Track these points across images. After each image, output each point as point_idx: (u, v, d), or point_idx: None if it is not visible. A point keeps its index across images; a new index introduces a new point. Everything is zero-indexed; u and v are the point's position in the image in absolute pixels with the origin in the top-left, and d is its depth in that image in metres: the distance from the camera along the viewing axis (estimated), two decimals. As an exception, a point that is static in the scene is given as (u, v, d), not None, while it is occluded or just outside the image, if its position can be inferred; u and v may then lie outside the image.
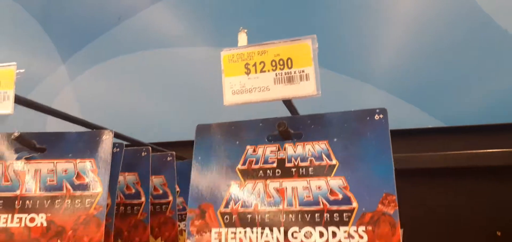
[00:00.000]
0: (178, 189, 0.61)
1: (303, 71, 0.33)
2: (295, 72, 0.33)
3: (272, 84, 0.33)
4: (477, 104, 0.82)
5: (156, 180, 0.58)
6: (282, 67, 0.33)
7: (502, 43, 0.81)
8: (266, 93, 0.33)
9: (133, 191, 0.52)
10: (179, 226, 0.60)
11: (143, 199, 0.51)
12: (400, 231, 0.32)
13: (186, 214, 0.60)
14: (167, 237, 0.56)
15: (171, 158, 0.59)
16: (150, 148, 0.53)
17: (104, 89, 1.02)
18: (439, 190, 0.84)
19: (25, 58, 1.09)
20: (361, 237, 0.32)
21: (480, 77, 0.82)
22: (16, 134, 0.42)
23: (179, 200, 0.65)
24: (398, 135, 0.75)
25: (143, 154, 0.53)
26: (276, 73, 0.33)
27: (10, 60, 0.40)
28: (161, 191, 0.58)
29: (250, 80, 0.33)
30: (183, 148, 0.71)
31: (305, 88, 0.32)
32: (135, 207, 0.51)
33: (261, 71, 0.33)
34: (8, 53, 1.13)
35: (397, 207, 0.32)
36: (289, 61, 0.33)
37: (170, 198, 0.58)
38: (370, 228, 0.32)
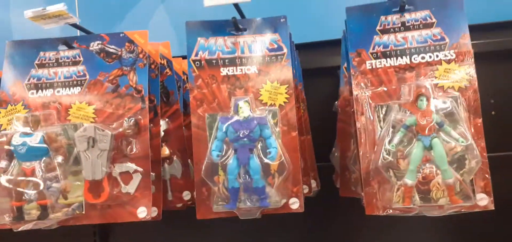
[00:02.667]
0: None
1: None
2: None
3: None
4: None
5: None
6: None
7: None
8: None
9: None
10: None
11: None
12: (471, 51, 0.62)
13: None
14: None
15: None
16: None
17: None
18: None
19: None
20: (451, 55, 0.62)
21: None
22: (231, 19, 0.69)
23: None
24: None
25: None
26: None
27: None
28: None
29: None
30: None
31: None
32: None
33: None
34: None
35: (469, 38, 0.62)
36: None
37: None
38: (456, 50, 0.62)
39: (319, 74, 1.06)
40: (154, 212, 0.71)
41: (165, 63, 0.81)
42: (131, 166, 0.68)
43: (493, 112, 1.12)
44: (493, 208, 0.60)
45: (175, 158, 0.79)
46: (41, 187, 0.62)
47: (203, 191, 0.66)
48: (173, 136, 0.80)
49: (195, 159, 0.66)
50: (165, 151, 0.79)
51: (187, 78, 0.88)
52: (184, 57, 0.90)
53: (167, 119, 0.80)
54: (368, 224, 0.99)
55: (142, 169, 0.68)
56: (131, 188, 0.67)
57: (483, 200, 0.59)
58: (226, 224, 0.83)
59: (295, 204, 0.65)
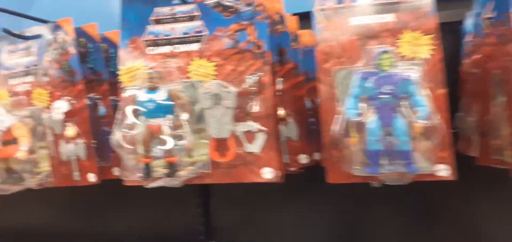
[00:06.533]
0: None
1: None
2: None
3: None
4: None
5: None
6: None
7: None
8: None
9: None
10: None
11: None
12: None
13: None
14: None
15: None
16: None
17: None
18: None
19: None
20: None
21: None
22: None
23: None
24: None
25: None
26: None
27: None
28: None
29: None
30: None
31: None
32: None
33: None
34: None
35: None
36: None
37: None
38: None
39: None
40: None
41: (279, 19, 0.76)
42: (254, 125, 0.64)
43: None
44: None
45: (290, 119, 0.75)
46: (169, 145, 0.60)
47: (333, 154, 0.61)
48: (288, 97, 0.75)
49: (323, 119, 0.61)
50: (280, 112, 0.74)
51: (295, 36, 0.82)
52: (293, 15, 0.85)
53: (282, 78, 0.75)
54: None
55: (266, 129, 0.64)
56: (255, 147, 0.64)
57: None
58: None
59: (443, 171, 0.57)
